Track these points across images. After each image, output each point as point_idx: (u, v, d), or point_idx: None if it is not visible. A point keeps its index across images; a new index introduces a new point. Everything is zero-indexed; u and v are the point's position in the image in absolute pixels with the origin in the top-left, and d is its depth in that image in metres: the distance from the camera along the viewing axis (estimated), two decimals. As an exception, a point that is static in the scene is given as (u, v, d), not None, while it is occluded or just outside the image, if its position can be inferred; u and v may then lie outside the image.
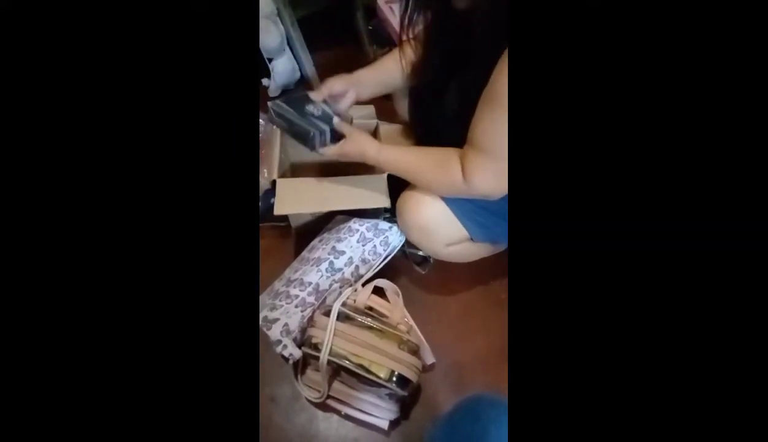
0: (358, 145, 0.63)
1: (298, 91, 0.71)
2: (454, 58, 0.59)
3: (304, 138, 0.63)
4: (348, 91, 0.70)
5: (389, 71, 0.73)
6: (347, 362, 0.60)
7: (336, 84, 0.69)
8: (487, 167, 0.54)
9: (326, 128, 0.63)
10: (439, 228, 0.67)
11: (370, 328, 0.63)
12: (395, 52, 0.72)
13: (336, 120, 0.64)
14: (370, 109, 0.86)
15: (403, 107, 0.83)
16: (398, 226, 0.74)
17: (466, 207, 0.65)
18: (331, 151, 0.64)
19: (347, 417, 0.67)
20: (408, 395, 0.64)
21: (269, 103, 0.68)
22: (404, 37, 0.62)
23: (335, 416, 0.68)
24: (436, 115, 0.66)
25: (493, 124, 0.51)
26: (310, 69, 1.12)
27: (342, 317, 0.64)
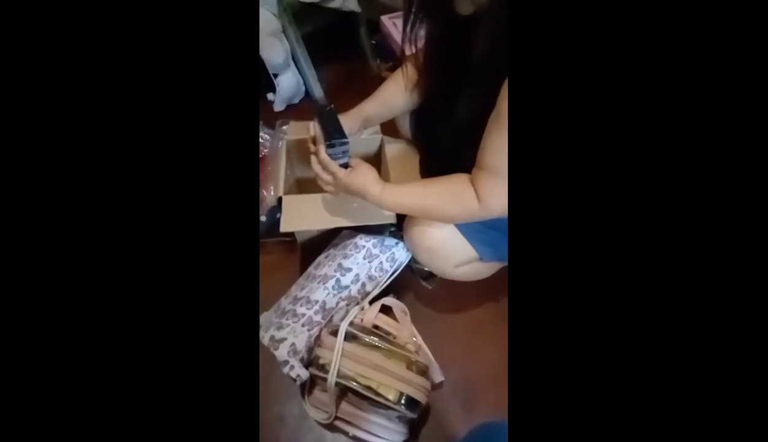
0: (362, 179, 0.60)
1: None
2: (456, 72, 0.59)
3: (338, 137, 0.60)
4: (357, 128, 0.69)
5: (393, 98, 0.72)
6: (355, 383, 0.59)
7: (346, 122, 0.67)
8: (503, 189, 0.53)
9: (348, 153, 0.62)
10: (448, 249, 0.66)
11: (378, 348, 0.62)
12: (397, 75, 0.71)
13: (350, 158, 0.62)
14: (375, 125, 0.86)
15: (404, 124, 0.83)
16: (406, 247, 0.73)
17: (474, 228, 0.64)
18: (335, 169, 0.61)
19: (355, 439, 0.66)
20: (417, 416, 0.63)
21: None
22: (407, 51, 0.62)
23: (343, 438, 0.67)
24: (440, 132, 0.66)
25: (505, 145, 0.50)
26: (314, 84, 1.13)
27: (349, 337, 0.63)
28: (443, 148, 0.69)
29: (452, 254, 0.67)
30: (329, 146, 0.60)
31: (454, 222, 0.64)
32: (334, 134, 0.60)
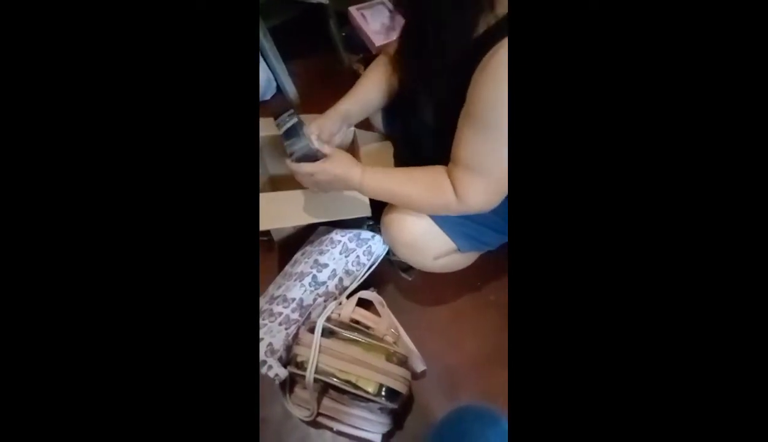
0: (341, 167, 0.57)
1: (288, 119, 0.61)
2: (427, 64, 0.58)
3: (295, 139, 0.58)
4: (338, 128, 0.67)
5: (370, 93, 0.69)
6: (334, 379, 0.59)
7: (326, 124, 0.65)
8: (478, 185, 0.53)
9: (314, 148, 0.59)
10: (427, 243, 0.66)
11: (356, 342, 0.62)
12: (372, 68, 0.69)
13: (316, 140, 0.58)
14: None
15: (376, 117, 0.82)
16: (384, 242, 0.73)
17: (452, 220, 0.64)
18: (310, 168, 0.58)
19: (339, 433, 0.66)
20: (399, 407, 0.63)
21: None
22: (386, 40, 0.59)
23: (328, 433, 0.67)
24: (412, 128, 0.65)
25: (478, 142, 0.50)
26: (285, 79, 1.11)
27: (327, 333, 0.63)
28: (417, 141, 0.68)
29: (431, 247, 0.67)
30: (284, 136, 0.57)
31: (432, 214, 0.63)
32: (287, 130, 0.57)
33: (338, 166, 0.58)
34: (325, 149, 0.60)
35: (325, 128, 0.65)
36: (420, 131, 0.65)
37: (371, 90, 0.70)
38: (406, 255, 0.70)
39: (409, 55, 0.61)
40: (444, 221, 0.64)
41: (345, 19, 1.14)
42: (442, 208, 0.58)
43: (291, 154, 0.59)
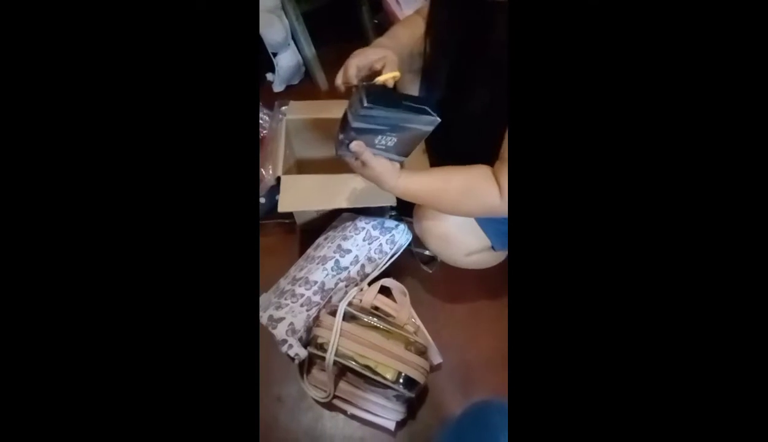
0: (376, 171, 0.53)
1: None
2: (472, 61, 0.55)
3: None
4: (386, 55, 0.58)
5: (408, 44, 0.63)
6: (353, 362, 0.59)
7: (370, 52, 0.58)
8: None
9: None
10: (460, 238, 0.65)
11: (377, 328, 0.62)
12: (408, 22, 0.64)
13: (355, 144, 0.52)
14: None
15: None
16: (417, 234, 0.72)
17: (488, 217, 0.63)
18: (350, 161, 0.55)
19: (353, 417, 0.67)
20: (415, 396, 0.63)
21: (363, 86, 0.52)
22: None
23: (341, 416, 0.68)
24: (451, 119, 0.64)
25: None
26: (315, 64, 1.11)
27: (348, 317, 0.63)
28: (453, 135, 0.66)
29: (464, 242, 0.65)
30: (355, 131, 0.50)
31: (474, 216, 0.62)
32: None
33: (370, 172, 0.54)
34: (363, 156, 0.53)
35: (369, 56, 0.58)
36: (456, 126, 0.63)
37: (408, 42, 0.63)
38: (438, 248, 0.69)
39: (453, 50, 0.59)
40: (481, 218, 0.63)
41: (377, 7, 1.13)
42: (482, 212, 0.56)
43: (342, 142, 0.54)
